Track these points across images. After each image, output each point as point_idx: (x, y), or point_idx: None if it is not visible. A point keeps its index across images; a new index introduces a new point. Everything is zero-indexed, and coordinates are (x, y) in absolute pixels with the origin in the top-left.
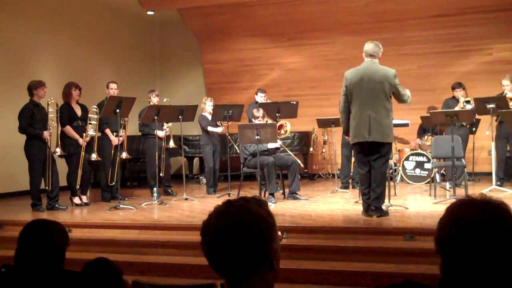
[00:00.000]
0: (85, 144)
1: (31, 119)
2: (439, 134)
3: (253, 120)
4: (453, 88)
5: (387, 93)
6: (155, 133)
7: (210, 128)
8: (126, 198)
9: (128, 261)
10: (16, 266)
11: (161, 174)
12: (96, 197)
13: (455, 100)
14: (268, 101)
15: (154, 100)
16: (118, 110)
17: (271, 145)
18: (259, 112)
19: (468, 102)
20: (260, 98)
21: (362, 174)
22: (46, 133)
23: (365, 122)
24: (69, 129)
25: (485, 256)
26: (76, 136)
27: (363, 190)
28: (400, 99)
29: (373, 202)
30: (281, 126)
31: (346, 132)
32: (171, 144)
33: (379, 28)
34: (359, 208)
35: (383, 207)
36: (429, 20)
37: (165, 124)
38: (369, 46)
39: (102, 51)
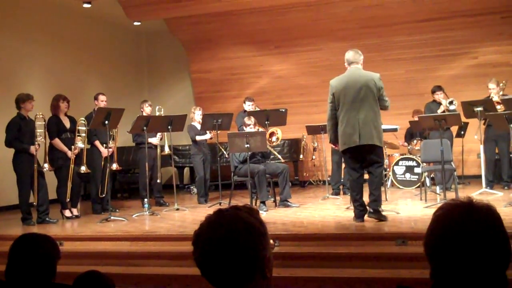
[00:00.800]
0: (74, 156)
1: (18, 133)
2: (427, 138)
3: (243, 128)
4: (433, 92)
5: (375, 96)
6: (147, 142)
7: (198, 137)
8: (117, 210)
9: (120, 273)
10: (7, 281)
11: (158, 181)
12: (86, 210)
13: (437, 103)
14: (257, 109)
15: (147, 110)
16: (107, 122)
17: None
18: (251, 120)
19: (451, 102)
20: (248, 106)
21: (353, 181)
22: (33, 148)
23: (354, 126)
24: (57, 141)
25: (473, 260)
26: (65, 148)
27: (355, 197)
28: (382, 104)
29: (371, 204)
30: (272, 134)
31: (333, 141)
32: (166, 150)
33: (365, 33)
34: (351, 214)
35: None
36: (415, 25)
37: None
38: (349, 54)
39: (89, 62)
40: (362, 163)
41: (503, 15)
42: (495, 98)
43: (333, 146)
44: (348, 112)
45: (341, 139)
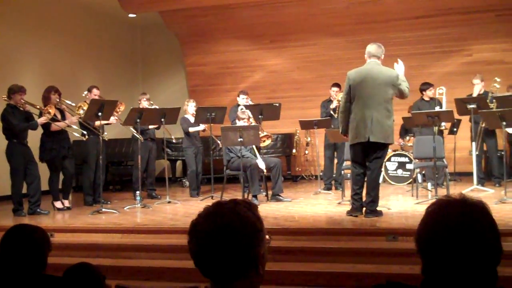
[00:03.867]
0: (70, 124)
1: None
2: (415, 136)
3: (237, 121)
4: (424, 90)
5: (390, 95)
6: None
7: (191, 129)
8: (109, 202)
9: (111, 265)
10: None
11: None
12: (78, 201)
13: (425, 101)
14: (250, 103)
15: (144, 104)
16: (100, 114)
17: (260, 164)
18: (245, 114)
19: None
20: (243, 100)
21: (357, 175)
22: (41, 118)
23: (366, 122)
24: (54, 126)
25: (464, 256)
26: (63, 124)
27: (356, 190)
28: (402, 96)
29: (368, 205)
30: (266, 138)
31: (344, 132)
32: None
33: (360, 29)
34: (342, 209)
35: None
36: (410, 21)
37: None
38: (372, 47)
39: (84, 54)
40: (365, 157)
41: (498, 13)
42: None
43: (345, 137)
44: (362, 107)
45: (352, 133)
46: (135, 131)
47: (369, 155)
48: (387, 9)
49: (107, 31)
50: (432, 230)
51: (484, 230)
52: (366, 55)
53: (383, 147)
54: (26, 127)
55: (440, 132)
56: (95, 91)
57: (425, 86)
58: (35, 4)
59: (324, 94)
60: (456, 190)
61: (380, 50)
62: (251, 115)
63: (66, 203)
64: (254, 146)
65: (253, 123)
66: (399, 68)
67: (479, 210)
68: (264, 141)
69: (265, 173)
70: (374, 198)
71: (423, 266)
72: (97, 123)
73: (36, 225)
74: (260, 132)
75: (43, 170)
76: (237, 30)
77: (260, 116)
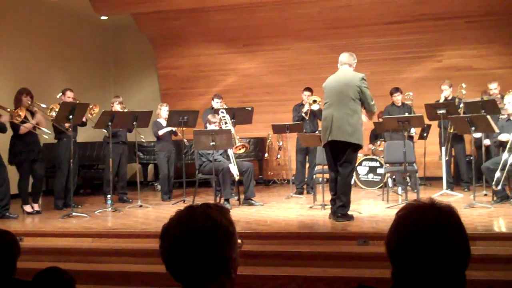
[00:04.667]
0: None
1: None
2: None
3: (208, 125)
4: (391, 94)
5: (351, 95)
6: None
7: (160, 131)
8: (79, 206)
9: (81, 269)
10: None
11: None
12: (48, 205)
13: (396, 106)
14: (225, 107)
15: (117, 107)
16: (71, 116)
17: (232, 169)
18: (216, 118)
19: (314, 101)
20: (217, 104)
21: (331, 181)
22: (4, 117)
23: (328, 123)
24: (22, 128)
25: (433, 260)
26: (31, 124)
27: (331, 196)
28: (367, 105)
29: (338, 209)
30: (242, 146)
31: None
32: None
33: (333, 34)
34: (314, 213)
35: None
36: (382, 27)
37: None
38: (343, 55)
39: (55, 55)
40: (337, 161)
41: (467, 19)
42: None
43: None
44: (327, 109)
45: (321, 136)
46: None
47: (338, 158)
48: (359, 15)
49: (78, 33)
50: (401, 235)
51: (452, 234)
52: (339, 63)
53: (350, 148)
54: None
55: (410, 137)
56: (68, 93)
57: (392, 90)
58: (4, 5)
59: (296, 98)
60: (426, 194)
61: (352, 58)
62: (228, 120)
63: (36, 206)
64: (231, 152)
65: (228, 126)
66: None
67: (447, 214)
68: (240, 149)
69: (237, 178)
70: (345, 203)
71: (393, 270)
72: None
73: (5, 229)
74: (237, 141)
75: (13, 173)
76: (210, 34)
77: (232, 120)
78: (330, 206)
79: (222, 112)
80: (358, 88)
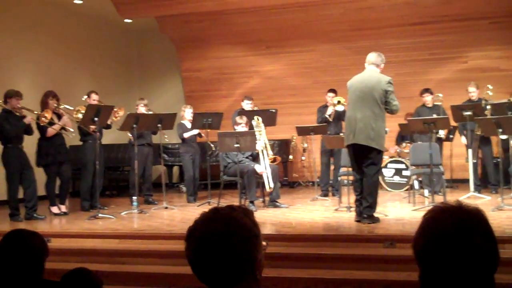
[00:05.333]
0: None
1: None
2: (417, 142)
3: (235, 126)
4: (421, 94)
5: (377, 98)
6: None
7: (186, 134)
8: (106, 207)
9: (107, 270)
10: None
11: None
12: (75, 207)
13: (426, 108)
14: (256, 108)
15: (142, 109)
16: (96, 119)
17: (258, 169)
18: (242, 119)
19: (339, 102)
20: (247, 105)
21: (355, 181)
22: (27, 119)
23: (351, 124)
24: (50, 130)
25: (460, 263)
26: (57, 126)
27: (356, 196)
28: (389, 107)
29: (364, 210)
30: (273, 159)
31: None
32: None
33: (357, 36)
34: (339, 215)
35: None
36: (406, 28)
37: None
38: (371, 55)
39: (80, 59)
40: (361, 163)
41: (492, 20)
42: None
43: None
44: (350, 110)
45: (345, 136)
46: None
47: (363, 159)
48: (382, 16)
49: (103, 36)
50: (428, 237)
51: (481, 237)
52: (366, 62)
53: (374, 151)
54: (17, 131)
55: (438, 139)
56: (93, 96)
57: (422, 91)
58: (30, 9)
59: (320, 100)
60: (453, 197)
61: (379, 58)
62: (261, 122)
63: (63, 208)
64: (264, 149)
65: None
66: None
67: (475, 217)
68: (271, 161)
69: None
70: (371, 204)
71: (420, 272)
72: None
73: (33, 230)
74: (269, 152)
75: (40, 175)
76: (233, 36)
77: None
78: (354, 208)
79: (258, 119)
80: (384, 92)
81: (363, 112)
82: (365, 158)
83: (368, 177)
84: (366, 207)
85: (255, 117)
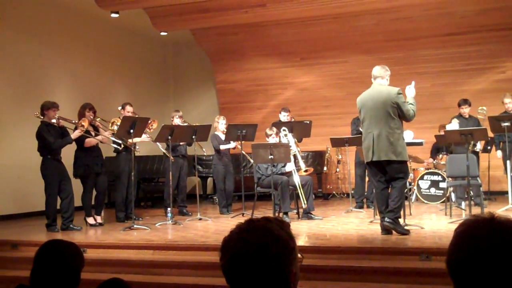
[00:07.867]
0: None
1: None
2: (453, 153)
3: (267, 139)
4: (459, 105)
5: (391, 112)
6: (170, 152)
7: (222, 147)
8: (140, 218)
9: (142, 281)
10: (31, 286)
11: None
12: (110, 217)
13: (463, 118)
14: (292, 119)
15: (177, 121)
16: (132, 130)
17: (288, 168)
18: (272, 130)
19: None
20: (284, 117)
21: (377, 193)
22: (75, 132)
23: (369, 142)
24: (89, 140)
25: (494, 278)
26: (96, 140)
27: (380, 208)
28: (403, 115)
29: (387, 214)
30: (309, 170)
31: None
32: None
33: (391, 46)
34: (374, 227)
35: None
36: (442, 38)
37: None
38: (375, 69)
39: (116, 71)
40: (385, 175)
41: None
42: None
43: None
44: (366, 128)
45: (363, 153)
46: (164, 150)
47: (384, 173)
48: (417, 26)
49: (139, 48)
50: (460, 251)
51: None
52: (372, 78)
53: (394, 163)
54: (62, 144)
55: (475, 152)
56: (128, 108)
57: (461, 102)
58: (67, 21)
59: (354, 111)
60: (491, 209)
61: (383, 70)
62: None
63: (99, 219)
64: (291, 166)
65: (285, 139)
66: (410, 91)
67: (508, 229)
68: (306, 172)
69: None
70: (393, 209)
71: (455, 287)
72: (130, 141)
73: (70, 241)
74: (302, 165)
75: (76, 186)
76: (267, 48)
77: (291, 133)
78: (378, 222)
79: (284, 130)
80: (395, 105)
81: (379, 129)
82: (388, 171)
83: (394, 187)
84: (388, 211)
85: (282, 129)
